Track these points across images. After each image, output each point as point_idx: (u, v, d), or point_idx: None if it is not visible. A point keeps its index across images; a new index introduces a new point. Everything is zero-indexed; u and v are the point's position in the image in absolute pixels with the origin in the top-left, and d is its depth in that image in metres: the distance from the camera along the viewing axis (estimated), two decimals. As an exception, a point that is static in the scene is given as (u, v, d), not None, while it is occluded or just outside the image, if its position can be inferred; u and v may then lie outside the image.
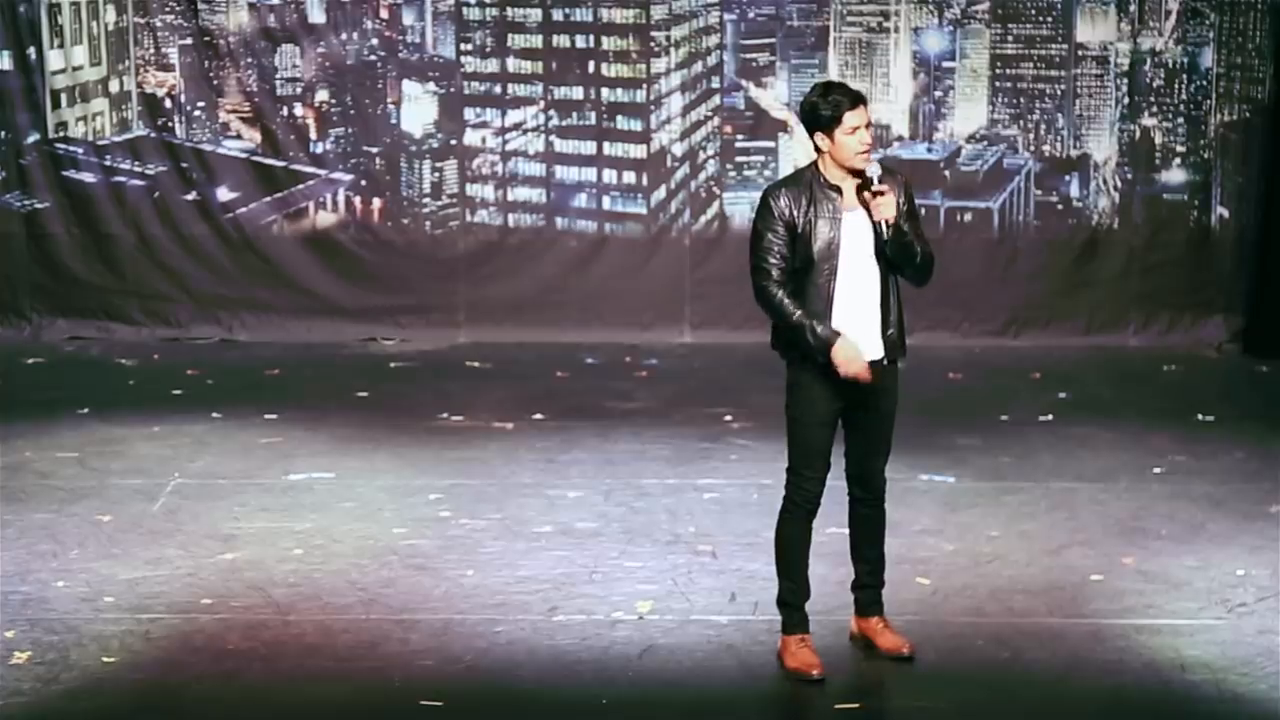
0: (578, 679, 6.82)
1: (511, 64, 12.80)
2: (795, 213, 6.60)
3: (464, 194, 12.91)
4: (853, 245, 6.62)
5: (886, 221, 6.56)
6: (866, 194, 6.59)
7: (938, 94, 12.74)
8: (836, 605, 7.19)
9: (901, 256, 6.64)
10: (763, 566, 7.90)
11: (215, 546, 8.24)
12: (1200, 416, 10.64)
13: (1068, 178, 12.79)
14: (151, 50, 12.79)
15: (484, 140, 12.88)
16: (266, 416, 10.52)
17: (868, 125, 6.63)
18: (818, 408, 6.69)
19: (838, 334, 6.57)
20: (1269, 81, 12.52)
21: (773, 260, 6.60)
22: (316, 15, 12.78)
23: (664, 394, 11.24)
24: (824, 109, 6.60)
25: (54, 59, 12.72)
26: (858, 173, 6.63)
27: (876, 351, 6.69)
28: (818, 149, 6.68)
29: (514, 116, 12.85)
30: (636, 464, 9.61)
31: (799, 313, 6.57)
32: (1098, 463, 9.66)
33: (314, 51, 12.82)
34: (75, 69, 12.79)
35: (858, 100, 6.62)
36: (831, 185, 6.63)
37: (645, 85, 12.79)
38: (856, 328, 6.63)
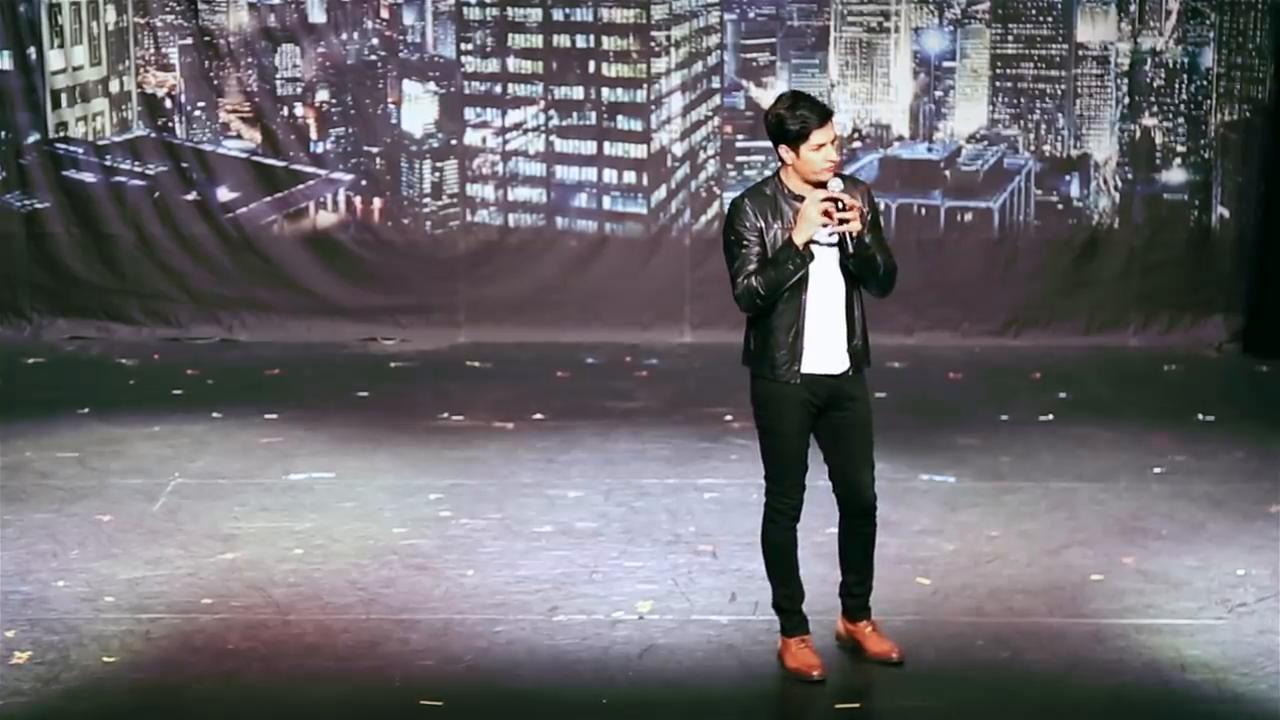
0: (578, 679, 6.82)
1: (512, 64, 12.81)
2: (763, 223, 6.58)
3: (464, 194, 12.90)
4: (819, 257, 6.58)
5: (851, 234, 6.52)
6: (831, 207, 6.51)
7: (938, 94, 12.74)
8: (835, 605, 7.18)
9: (865, 269, 6.61)
10: (763, 566, 7.90)
11: (215, 546, 8.24)
12: (1200, 416, 10.64)
13: (1068, 178, 12.79)
14: (152, 50, 12.79)
15: (484, 140, 12.87)
16: (266, 416, 10.52)
17: (834, 140, 6.57)
18: (790, 417, 6.67)
19: (788, 237, 6.50)
20: (1269, 81, 12.52)
21: (751, 268, 6.56)
22: (317, 15, 12.78)
23: (664, 394, 11.24)
24: (791, 123, 6.53)
25: (54, 59, 12.72)
26: (820, 184, 6.58)
27: (842, 363, 6.67)
28: (781, 160, 6.63)
29: (514, 116, 12.85)
30: (636, 464, 9.61)
31: (763, 267, 6.52)
32: (1098, 463, 9.66)
33: (314, 51, 12.82)
34: (75, 69, 12.79)
35: (825, 116, 6.54)
36: (796, 197, 6.59)
37: (645, 85, 12.79)
38: (824, 339, 6.63)
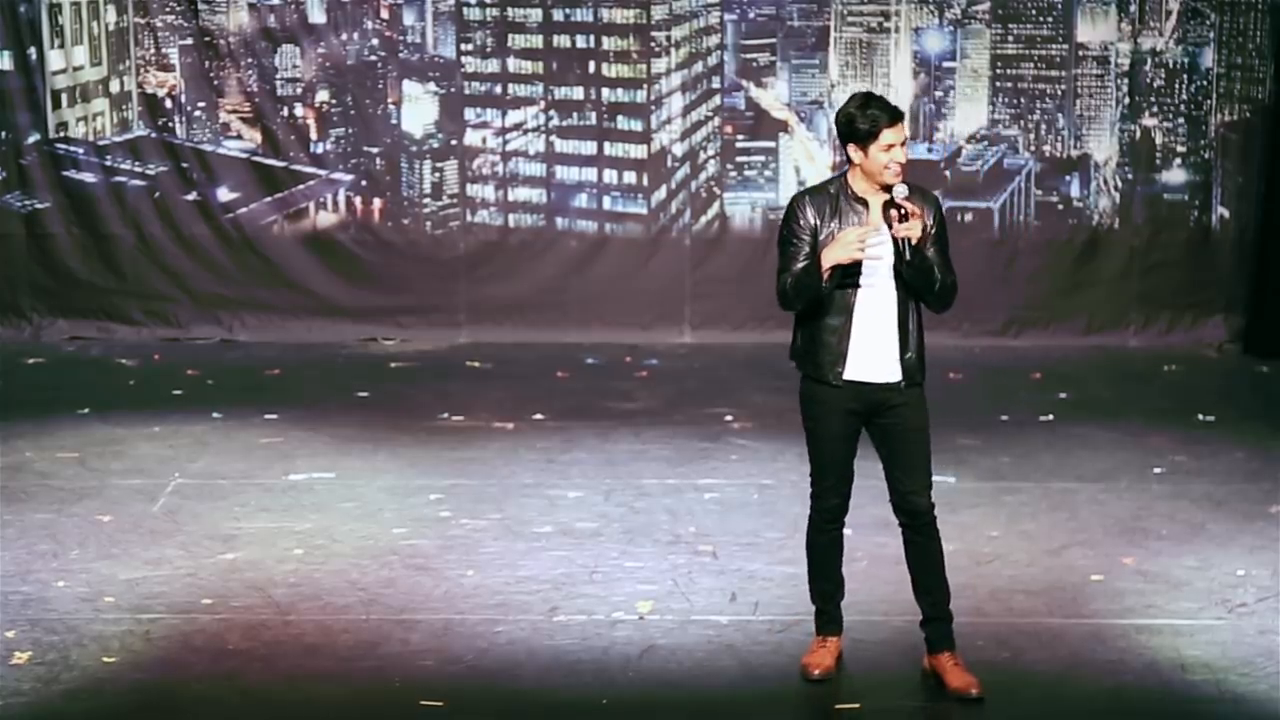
0: (578, 679, 6.82)
1: (512, 64, 12.81)
2: (819, 222, 6.52)
3: (464, 194, 12.91)
4: (874, 262, 6.50)
5: (908, 240, 6.44)
6: (893, 212, 6.47)
7: (938, 94, 12.74)
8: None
9: (919, 280, 6.53)
10: (763, 567, 7.92)
11: (215, 546, 8.24)
12: (1200, 416, 10.64)
13: (1068, 178, 12.80)
14: (152, 50, 12.79)
15: (484, 140, 12.88)
16: (266, 416, 10.52)
17: (903, 143, 6.51)
18: (831, 420, 6.61)
19: (817, 255, 6.46)
20: (1269, 81, 12.52)
21: (795, 267, 6.51)
22: (317, 15, 12.78)
23: (664, 394, 11.24)
24: (861, 122, 6.48)
25: (54, 59, 12.72)
26: (887, 188, 6.51)
27: (893, 374, 6.62)
28: (849, 160, 6.57)
29: (514, 117, 12.85)
30: (637, 464, 9.61)
31: (795, 271, 6.49)
32: (1098, 463, 9.66)
33: (314, 52, 12.82)
34: (76, 69, 12.79)
35: (896, 117, 6.49)
36: (858, 198, 6.54)
37: (646, 85, 12.79)
38: (874, 346, 6.57)
